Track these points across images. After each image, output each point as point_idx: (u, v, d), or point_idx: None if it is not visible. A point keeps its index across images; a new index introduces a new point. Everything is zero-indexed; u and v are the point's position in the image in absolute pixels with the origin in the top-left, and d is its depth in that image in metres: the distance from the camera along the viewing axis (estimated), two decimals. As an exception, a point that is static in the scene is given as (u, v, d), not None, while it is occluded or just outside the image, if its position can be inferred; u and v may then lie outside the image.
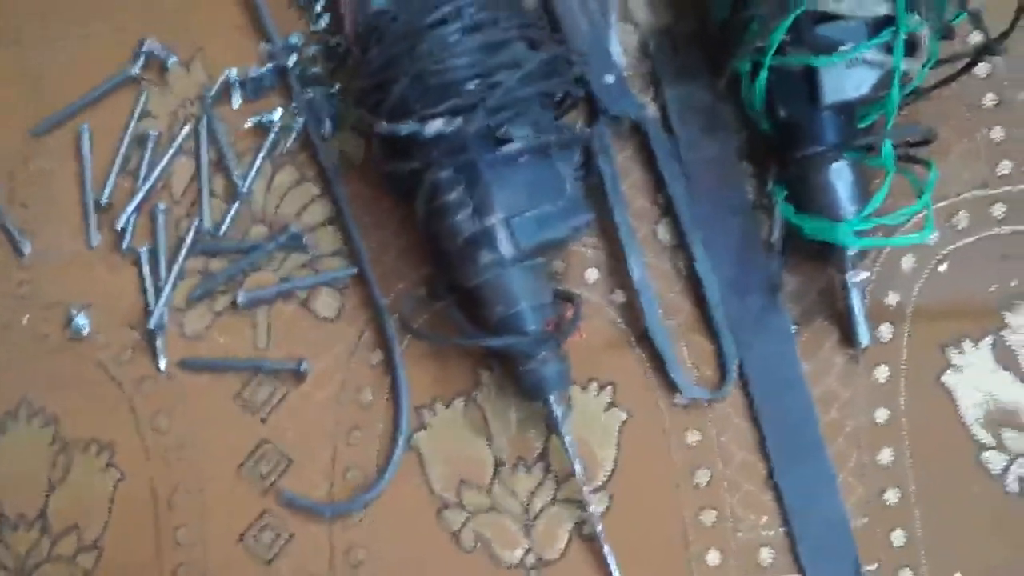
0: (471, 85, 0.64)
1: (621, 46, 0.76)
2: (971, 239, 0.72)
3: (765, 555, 0.69)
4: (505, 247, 0.65)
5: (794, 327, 0.71)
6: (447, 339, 0.72)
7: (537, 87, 0.66)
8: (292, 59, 0.78)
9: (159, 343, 0.74)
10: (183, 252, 0.75)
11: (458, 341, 0.71)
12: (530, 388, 0.68)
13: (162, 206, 0.76)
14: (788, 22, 0.64)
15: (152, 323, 0.74)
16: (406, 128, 0.65)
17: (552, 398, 0.68)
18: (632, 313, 0.72)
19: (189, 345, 0.75)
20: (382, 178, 0.71)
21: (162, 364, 0.74)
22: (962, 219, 0.72)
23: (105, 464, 0.73)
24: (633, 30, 0.76)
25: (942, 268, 0.72)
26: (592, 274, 0.74)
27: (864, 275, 0.70)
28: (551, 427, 0.69)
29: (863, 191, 0.67)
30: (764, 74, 0.67)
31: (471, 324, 0.69)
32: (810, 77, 0.66)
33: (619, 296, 0.73)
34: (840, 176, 0.67)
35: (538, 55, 0.66)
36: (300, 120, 0.77)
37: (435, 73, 0.64)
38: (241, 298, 0.74)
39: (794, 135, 0.68)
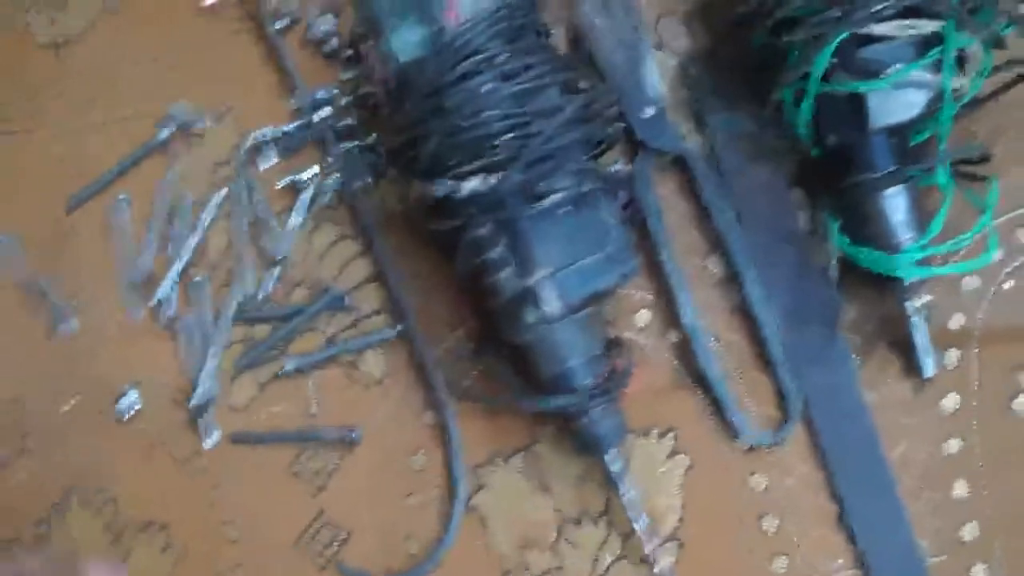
0: (506, 138, 0.62)
1: (658, 76, 0.73)
2: (1037, 254, 0.69)
3: (842, 599, 0.67)
4: (551, 304, 0.63)
5: (856, 358, 0.69)
6: (495, 401, 0.70)
7: (575, 134, 0.63)
8: (323, 112, 0.76)
9: (207, 418, 0.73)
10: (224, 322, 0.74)
11: (506, 404, 0.69)
12: (585, 445, 0.66)
13: (200, 275, 0.75)
14: (830, 49, 0.62)
15: (197, 398, 0.73)
16: (440, 189, 0.63)
17: (608, 455, 0.66)
18: (688, 354, 0.70)
19: (238, 418, 0.73)
20: (425, 233, 0.70)
21: (212, 440, 0.73)
22: (1025, 234, 0.69)
23: (164, 545, 0.72)
24: (670, 58, 0.74)
25: (1007, 286, 0.69)
26: (643, 316, 0.71)
27: (926, 299, 0.67)
28: (611, 483, 0.67)
29: (920, 216, 0.65)
30: (809, 102, 0.64)
31: (521, 380, 0.68)
32: (857, 102, 0.64)
33: (673, 336, 0.71)
34: (895, 202, 0.64)
35: (573, 99, 0.64)
36: (336, 175, 0.76)
37: (467, 128, 0.62)
38: (287, 366, 0.73)
39: (844, 161, 0.66)
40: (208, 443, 0.73)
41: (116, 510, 0.72)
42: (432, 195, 0.63)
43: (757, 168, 0.71)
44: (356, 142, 0.75)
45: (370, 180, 0.75)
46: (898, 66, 0.62)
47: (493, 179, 0.62)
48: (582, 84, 0.66)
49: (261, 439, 0.73)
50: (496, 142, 0.62)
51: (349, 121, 0.76)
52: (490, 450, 0.71)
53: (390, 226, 0.74)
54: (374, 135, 0.74)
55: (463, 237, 0.64)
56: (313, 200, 0.76)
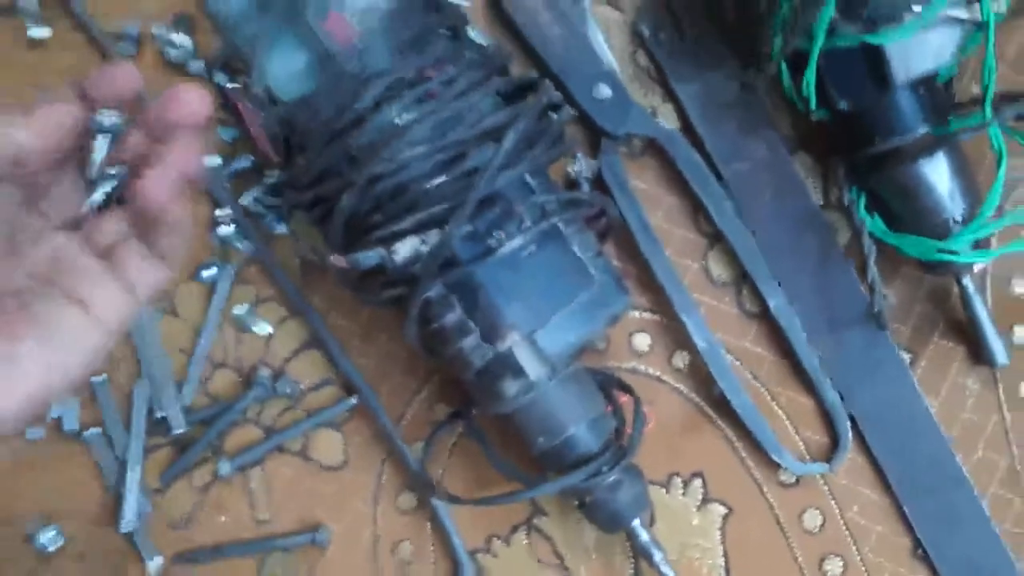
0: (438, 181, 0.49)
1: (605, 39, 0.59)
2: (1107, 193, 0.56)
3: (931, 643, 0.56)
4: (533, 369, 0.50)
5: (906, 355, 0.57)
6: (486, 500, 0.56)
7: (526, 164, 0.49)
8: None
9: (143, 541, 0.61)
10: (137, 430, 0.61)
11: (499, 500, 0.55)
12: (604, 521, 0.54)
13: (100, 378, 0.61)
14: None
15: (126, 524, 0.60)
16: (366, 260, 0.49)
17: (635, 524, 0.54)
18: (703, 379, 0.58)
19: (180, 535, 0.61)
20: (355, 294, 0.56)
21: (153, 567, 0.61)
22: (1092, 169, 0.56)
23: None
24: (619, 17, 0.59)
25: (1081, 235, 0.56)
26: (642, 340, 0.59)
27: (981, 265, 0.55)
28: (641, 554, 0.55)
29: (968, 181, 0.52)
30: (812, 65, 0.50)
31: (514, 449, 0.55)
32: (872, 54, 0.50)
33: (681, 359, 0.58)
34: (935, 169, 0.51)
35: (514, 111, 0.50)
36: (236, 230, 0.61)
37: (388, 175, 0.49)
38: (224, 469, 0.60)
39: (863, 127, 0.52)
40: (152, 568, 0.61)
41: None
42: (356, 268, 0.50)
43: (750, 141, 0.57)
44: (256, 189, 0.60)
45: (278, 227, 0.61)
46: (917, 9, 0.48)
47: (433, 236, 0.49)
48: (522, 78, 0.52)
49: (212, 555, 0.61)
50: (428, 187, 0.49)
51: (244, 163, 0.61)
52: (485, 530, 0.59)
53: (315, 280, 0.61)
54: (274, 175, 0.60)
55: (407, 306, 0.51)
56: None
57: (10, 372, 0.42)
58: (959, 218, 0.51)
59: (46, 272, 0.45)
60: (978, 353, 0.55)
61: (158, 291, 0.46)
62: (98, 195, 0.44)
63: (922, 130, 0.51)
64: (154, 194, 0.43)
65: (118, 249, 0.45)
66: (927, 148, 0.51)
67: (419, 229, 0.49)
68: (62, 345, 0.44)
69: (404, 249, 0.49)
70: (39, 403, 0.43)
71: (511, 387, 0.51)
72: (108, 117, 0.43)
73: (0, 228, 0.44)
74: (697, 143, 0.58)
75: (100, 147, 0.43)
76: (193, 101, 0.43)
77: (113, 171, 0.44)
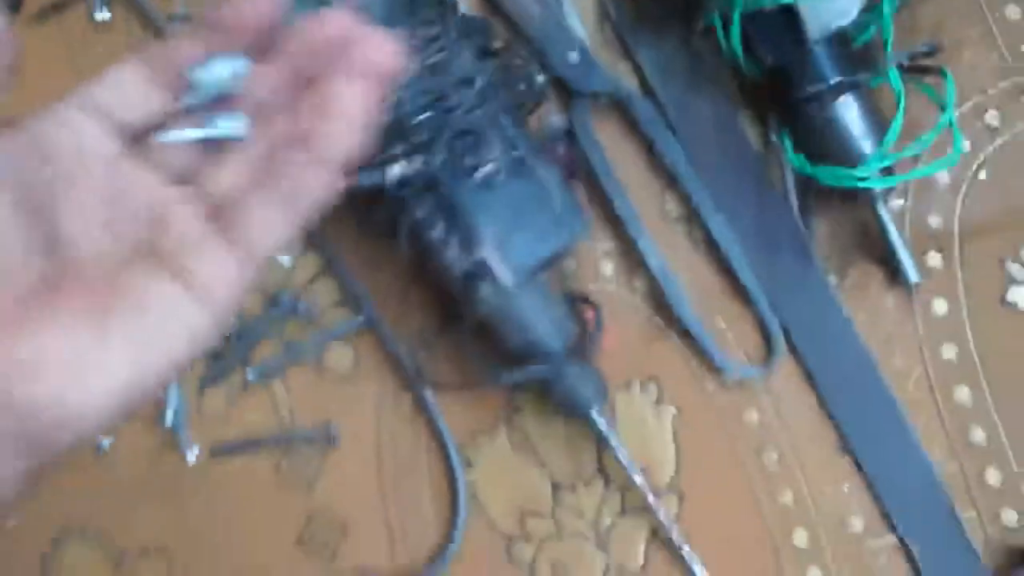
0: (424, 117, 0.59)
1: (579, 15, 0.69)
2: (1007, 137, 0.65)
3: (855, 523, 0.64)
4: (503, 275, 0.60)
5: (833, 276, 0.66)
6: (468, 383, 0.67)
7: (495, 103, 0.60)
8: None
9: (183, 436, 0.71)
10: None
11: (479, 384, 0.66)
12: (568, 409, 0.63)
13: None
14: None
15: (168, 420, 0.71)
16: (365, 179, 0.60)
17: (594, 413, 0.63)
18: (659, 299, 0.67)
19: (214, 430, 0.71)
20: (363, 223, 0.66)
21: (191, 457, 0.71)
22: (993, 117, 0.65)
23: (166, 571, 0.70)
24: (586, -5, 0.69)
25: (982, 175, 0.65)
26: (607, 267, 0.68)
27: (899, 203, 0.64)
28: (600, 442, 0.65)
29: (877, 121, 0.61)
30: (736, 24, 0.60)
31: (491, 354, 0.65)
32: (789, 16, 0.59)
33: (640, 283, 0.68)
34: (848, 111, 0.60)
35: (488, 66, 0.60)
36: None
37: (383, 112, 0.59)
38: (251, 375, 0.70)
39: (787, 78, 0.61)
40: (191, 458, 0.71)
41: (112, 541, 0.71)
42: (357, 187, 0.60)
43: (698, 98, 0.67)
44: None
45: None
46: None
47: (417, 161, 0.59)
48: (497, 44, 0.62)
49: (241, 448, 0.71)
50: (414, 122, 0.59)
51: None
52: (472, 428, 0.68)
53: (331, 216, 0.70)
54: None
55: (401, 221, 0.61)
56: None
57: (98, 358, 0.34)
58: (868, 152, 0.60)
59: (145, 237, 0.38)
60: (895, 276, 0.64)
61: (279, 250, 0.39)
62: (173, 134, 0.39)
63: (836, 79, 0.60)
64: (337, 101, 0.36)
65: (238, 199, 0.38)
66: (840, 93, 0.60)
67: (408, 155, 0.59)
68: (158, 329, 0.36)
69: (394, 171, 0.59)
70: (128, 403, 0.35)
71: (486, 290, 0.60)
72: (215, 66, 0.38)
73: (100, 188, 0.38)
74: (655, 100, 0.68)
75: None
76: (341, 19, 0.37)
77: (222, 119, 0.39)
